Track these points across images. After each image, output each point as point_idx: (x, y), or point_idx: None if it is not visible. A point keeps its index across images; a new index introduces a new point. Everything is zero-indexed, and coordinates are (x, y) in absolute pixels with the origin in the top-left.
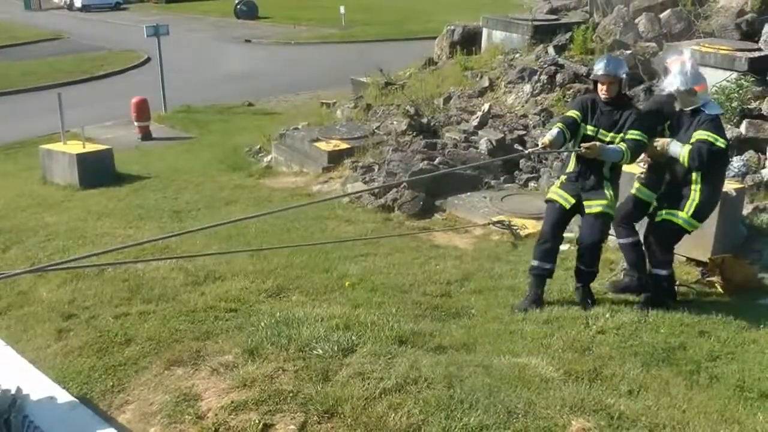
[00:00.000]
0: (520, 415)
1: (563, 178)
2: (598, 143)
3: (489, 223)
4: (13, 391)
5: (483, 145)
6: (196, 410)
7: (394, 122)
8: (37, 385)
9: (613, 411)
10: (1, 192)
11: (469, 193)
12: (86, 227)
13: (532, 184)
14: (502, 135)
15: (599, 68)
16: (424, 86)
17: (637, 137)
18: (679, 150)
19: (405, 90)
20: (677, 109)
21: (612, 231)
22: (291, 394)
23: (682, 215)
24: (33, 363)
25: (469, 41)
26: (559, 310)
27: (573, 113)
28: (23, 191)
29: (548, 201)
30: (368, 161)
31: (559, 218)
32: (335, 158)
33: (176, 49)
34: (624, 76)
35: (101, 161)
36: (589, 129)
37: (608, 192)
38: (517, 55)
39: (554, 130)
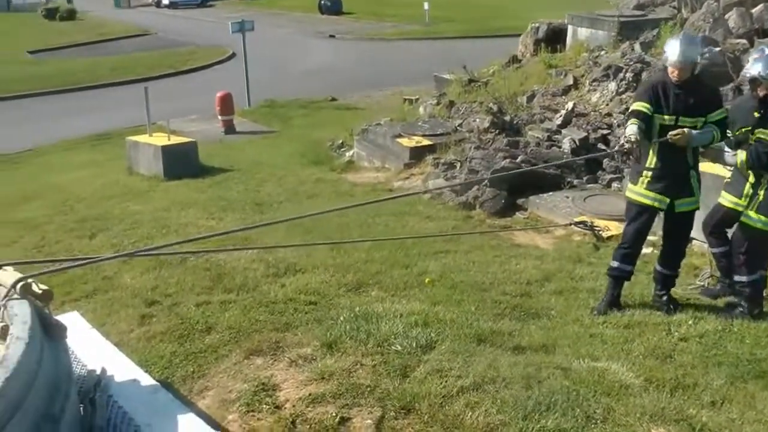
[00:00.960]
0: (598, 421)
1: (647, 174)
2: (686, 129)
3: (571, 224)
4: (98, 372)
5: (566, 144)
6: (273, 400)
7: (477, 120)
8: (121, 368)
9: (695, 422)
10: (89, 181)
11: (551, 193)
12: (170, 217)
13: (615, 184)
14: (586, 134)
15: (673, 54)
16: (508, 84)
17: (724, 115)
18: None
19: (488, 87)
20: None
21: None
22: (368, 389)
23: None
24: (117, 346)
25: (553, 38)
26: (640, 314)
27: (643, 106)
28: (110, 181)
29: (633, 202)
30: (450, 158)
31: (648, 220)
32: (417, 155)
33: (261, 45)
34: (699, 59)
35: (185, 153)
36: (667, 118)
37: (695, 183)
38: (603, 53)
39: (633, 128)
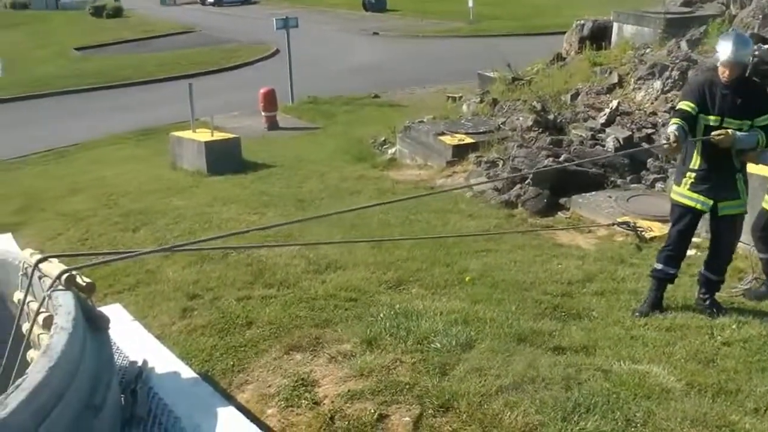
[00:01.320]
0: (638, 425)
1: (691, 176)
2: (730, 130)
3: (613, 224)
4: (139, 364)
5: (610, 143)
6: (312, 396)
7: (520, 118)
8: (162, 360)
9: (737, 429)
10: (133, 176)
11: (594, 192)
12: (212, 212)
13: (659, 184)
14: (630, 133)
15: (726, 53)
16: (552, 82)
17: None
18: None
19: (532, 85)
20: None
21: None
22: (407, 386)
23: None
24: (158, 338)
25: (598, 36)
26: (682, 317)
27: (688, 105)
28: (153, 175)
29: (677, 204)
30: (492, 156)
31: (691, 222)
32: (460, 153)
33: (304, 42)
34: (749, 58)
35: (228, 149)
36: (712, 119)
37: (741, 186)
38: (648, 50)
39: (674, 127)
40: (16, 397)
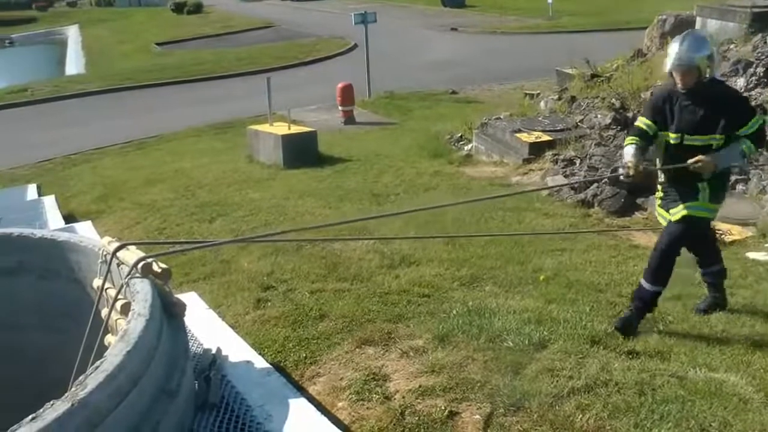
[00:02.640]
0: None
1: (660, 191)
2: (706, 157)
3: None
4: (214, 351)
5: None
6: (383, 390)
7: (598, 116)
8: (235, 349)
9: None
10: (211, 168)
11: None
12: (288, 205)
13: (740, 186)
14: None
15: (672, 56)
16: (631, 79)
17: (759, 123)
18: None
19: (611, 82)
20: None
21: None
22: (479, 384)
23: None
24: (232, 327)
25: (681, 31)
26: (762, 326)
27: (644, 123)
28: (230, 168)
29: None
30: (569, 155)
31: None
32: (536, 150)
33: (382, 37)
34: (702, 60)
35: (305, 143)
36: (672, 137)
37: (705, 194)
38: (732, 46)
39: (630, 149)
40: (95, 378)
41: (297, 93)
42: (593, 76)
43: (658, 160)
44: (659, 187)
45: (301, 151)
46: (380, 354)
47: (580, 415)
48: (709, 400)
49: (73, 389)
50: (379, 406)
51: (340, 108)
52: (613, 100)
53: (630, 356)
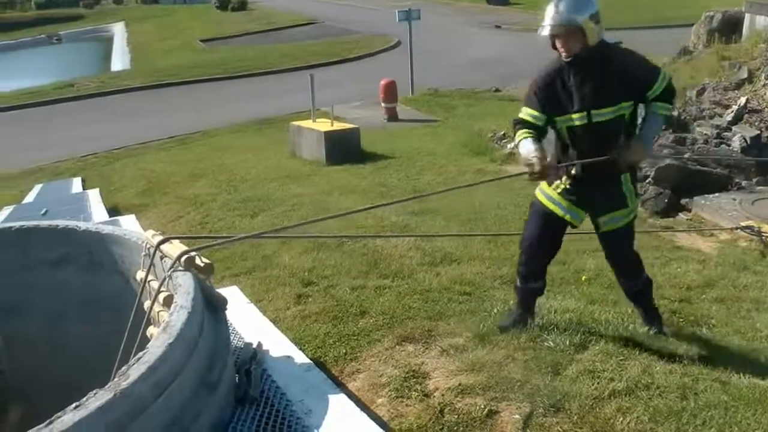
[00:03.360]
0: None
1: (566, 182)
2: (634, 144)
3: (736, 228)
4: (254, 345)
5: (736, 143)
6: (423, 388)
7: None
8: (276, 343)
9: None
10: (253, 163)
11: (717, 194)
12: (329, 201)
13: None
14: (758, 132)
15: (548, 16)
16: (677, 77)
17: (667, 80)
18: None
19: None
20: None
21: None
22: (519, 384)
23: None
24: (273, 322)
25: (729, 28)
26: None
27: (529, 115)
28: (273, 164)
29: (537, 200)
30: None
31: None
32: None
33: (426, 34)
34: (587, 21)
35: (348, 139)
36: (576, 118)
37: (628, 188)
38: None
39: (528, 143)
40: (137, 369)
41: (340, 90)
42: None
43: (557, 153)
44: (564, 179)
45: (344, 148)
46: (420, 351)
47: (621, 418)
48: (753, 407)
49: (115, 379)
50: (419, 403)
51: (383, 105)
52: None
53: (672, 359)
